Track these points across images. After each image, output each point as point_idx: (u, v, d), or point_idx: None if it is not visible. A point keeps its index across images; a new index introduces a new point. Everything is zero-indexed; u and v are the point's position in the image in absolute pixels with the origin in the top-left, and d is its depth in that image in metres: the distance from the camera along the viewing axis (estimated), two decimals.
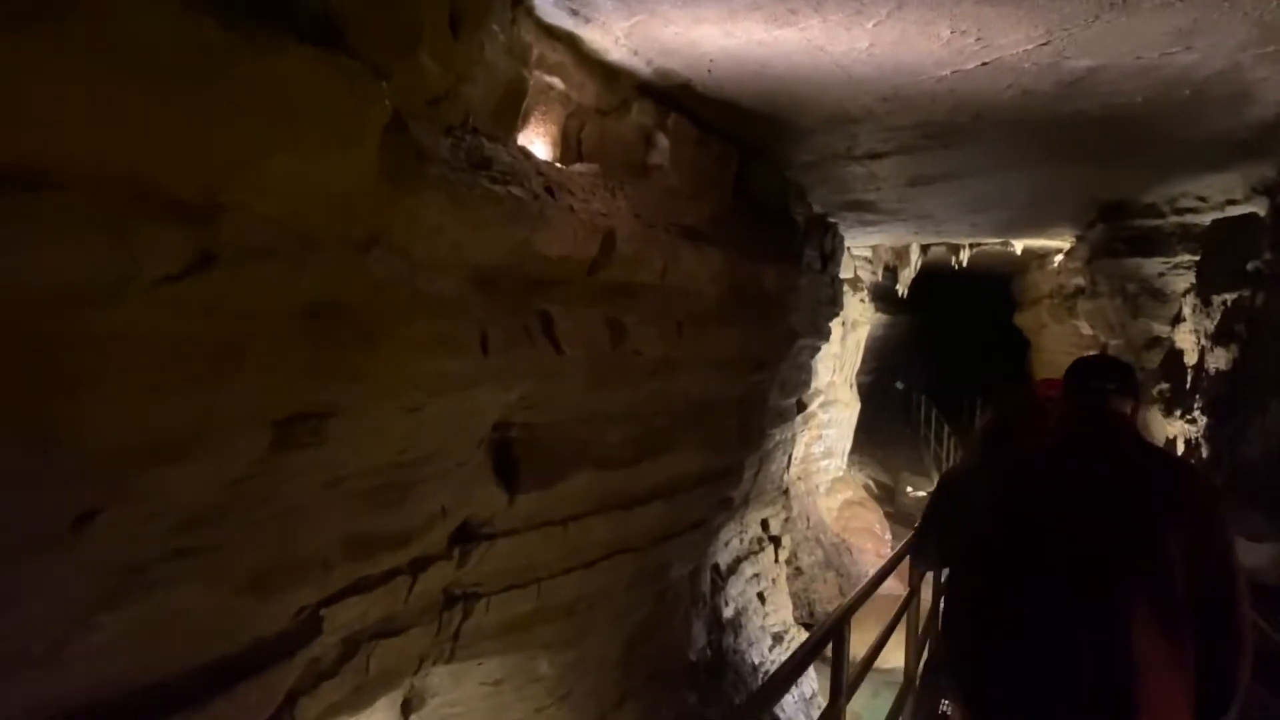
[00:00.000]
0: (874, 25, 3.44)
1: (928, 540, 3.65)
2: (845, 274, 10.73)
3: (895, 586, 5.38)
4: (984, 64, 3.83)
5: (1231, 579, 2.04)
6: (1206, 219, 7.45)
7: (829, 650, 3.50)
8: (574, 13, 3.52)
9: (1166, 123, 4.83)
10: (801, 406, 9.35)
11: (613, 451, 4.53)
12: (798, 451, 10.55)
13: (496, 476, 3.76)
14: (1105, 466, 2.15)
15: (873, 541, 13.44)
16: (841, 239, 9.07)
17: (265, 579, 2.64)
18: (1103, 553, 2.01)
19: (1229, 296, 6.74)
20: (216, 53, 1.66)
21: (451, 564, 3.65)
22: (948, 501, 3.44)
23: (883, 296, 15.69)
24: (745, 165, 5.63)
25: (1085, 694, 1.96)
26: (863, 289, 14.09)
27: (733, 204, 5.61)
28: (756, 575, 8.75)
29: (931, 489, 15.44)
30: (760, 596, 8.78)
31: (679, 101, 4.58)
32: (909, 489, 16.62)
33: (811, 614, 10.94)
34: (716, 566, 7.90)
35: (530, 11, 3.47)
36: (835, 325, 9.93)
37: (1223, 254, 6.92)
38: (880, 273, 13.97)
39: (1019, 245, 11.76)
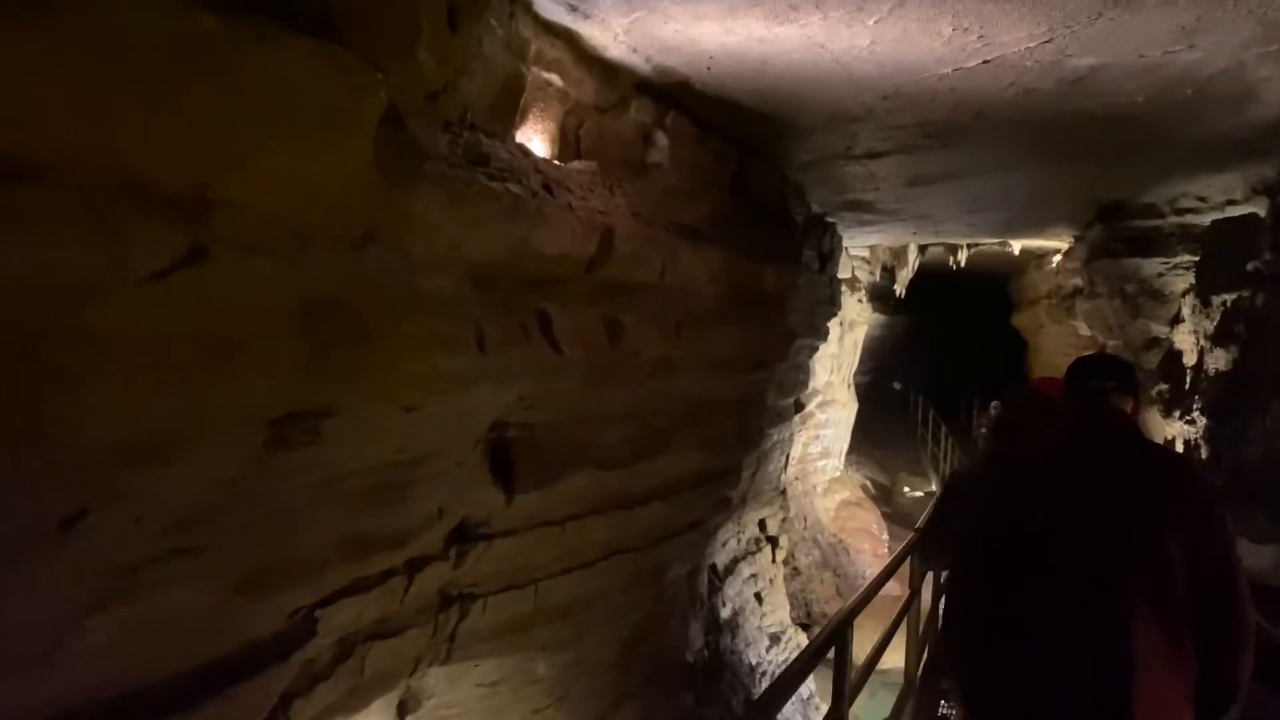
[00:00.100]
0: (875, 22, 3.41)
1: (935, 541, 3.64)
2: (843, 274, 10.73)
3: (893, 587, 5.36)
4: (986, 62, 3.80)
5: (1232, 578, 2.03)
6: (1206, 219, 7.44)
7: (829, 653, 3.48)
8: (573, 9, 3.49)
9: (1168, 122, 4.82)
10: (799, 406, 9.35)
11: (611, 451, 4.50)
12: (795, 451, 10.55)
13: (494, 476, 3.74)
14: (1104, 466, 2.15)
15: (870, 542, 13.44)
16: (839, 239, 9.06)
17: (259, 580, 2.61)
18: (1102, 553, 2.00)
19: (1229, 297, 6.73)
20: (208, 43, 1.62)
21: (448, 564, 3.63)
22: (955, 501, 3.42)
23: (880, 297, 15.70)
24: (744, 164, 5.60)
25: (1085, 694, 1.95)
26: (860, 289, 14.09)
27: (731, 203, 5.58)
28: (754, 575, 8.74)
29: (931, 489, 15.42)
30: (757, 597, 8.76)
31: (678, 99, 4.55)
32: (906, 489, 16.63)
33: (809, 614, 10.94)
34: (714, 567, 7.89)
35: (528, 7, 3.44)
36: (833, 325, 9.92)
37: (1222, 254, 6.91)
38: (878, 273, 13.97)
39: (1017, 246, 11.76)
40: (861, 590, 3.83)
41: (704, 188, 5.14)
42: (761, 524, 8.99)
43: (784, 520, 9.82)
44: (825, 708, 8.05)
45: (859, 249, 12.57)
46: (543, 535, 4.15)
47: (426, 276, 2.78)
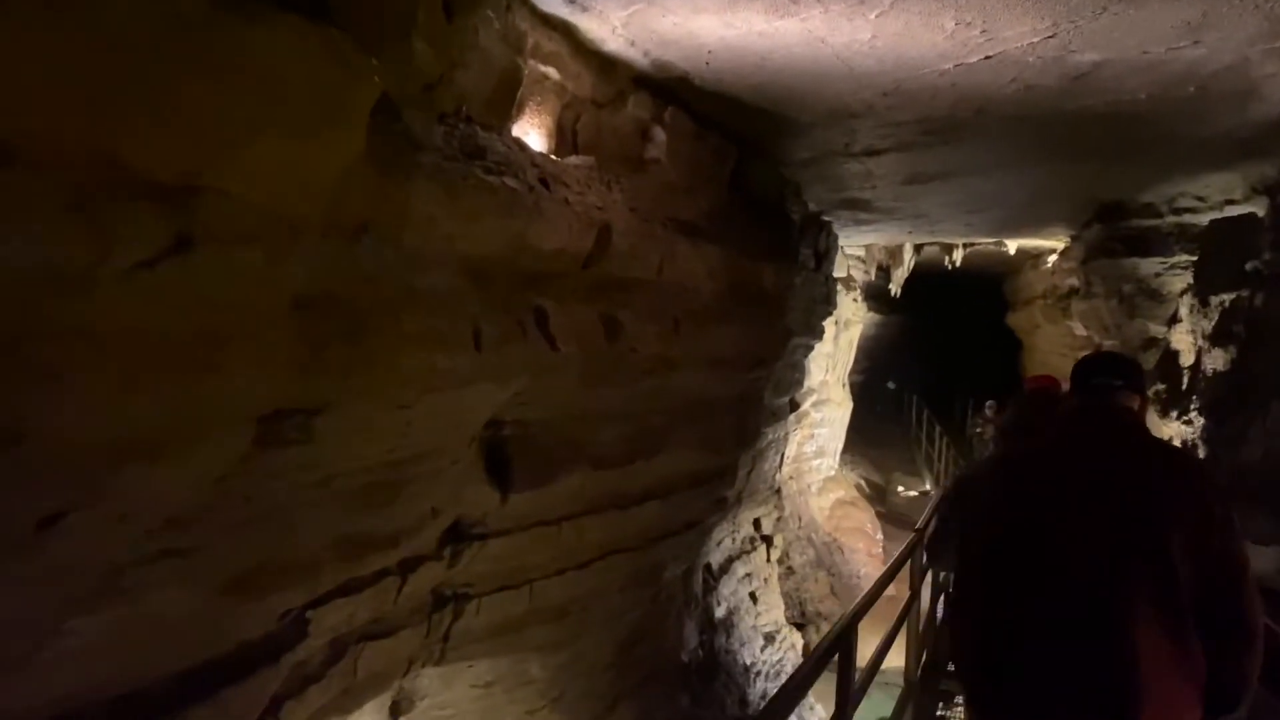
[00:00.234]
0: (877, 16, 3.37)
1: (941, 542, 3.60)
2: (838, 273, 10.69)
3: (892, 588, 5.32)
4: (988, 57, 3.76)
5: (1237, 577, 2.00)
6: (1205, 219, 7.44)
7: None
8: (570, 1, 3.44)
9: (1170, 120, 4.78)
10: (795, 405, 9.33)
11: (607, 450, 4.46)
12: (790, 450, 10.53)
13: (489, 475, 3.70)
14: (1107, 464, 2.12)
15: (864, 541, 13.44)
16: (836, 237, 9.05)
17: (250, 581, 2.56)
18: (1102, 553, 1.97)
19: (1227, 297, 6.72)
20: (195, 23, 1.57)
21: (442, 564, 3.59)
22: (966, 500, 3.38)
23: (875, 296, 15.68)
24: (742, 161, 5.56)
25: (1087, 694, 1.93)
26: (855, 288, 14.07)
27: (730, 200, 5.54)
28: (748, 575, 8.71)
29: (925, 489, 15.38)
30: (752, 596, 8.74)
31: (676, 94, 4.51)
32: (900, 489, 16.64)
33: (803, 613, 10.92)
34: (709, 566, 7.86)
35: None
36: (828, 324, 9.90)
37: (1221, 254, 6.90)
38: (873, 272, 13.96)
39: (1013, 245, 11.75)
40: (865, 594, 3.78)
41: (702, 184, 5.09)
42: (756, 523, 8.96)
43: (779, 519, 9.79)
44: (820, 707, 8.06)
45: (854, 248, 12.54)
46: (538, 535, 4.11)
47: (422, 271, 2.73)
